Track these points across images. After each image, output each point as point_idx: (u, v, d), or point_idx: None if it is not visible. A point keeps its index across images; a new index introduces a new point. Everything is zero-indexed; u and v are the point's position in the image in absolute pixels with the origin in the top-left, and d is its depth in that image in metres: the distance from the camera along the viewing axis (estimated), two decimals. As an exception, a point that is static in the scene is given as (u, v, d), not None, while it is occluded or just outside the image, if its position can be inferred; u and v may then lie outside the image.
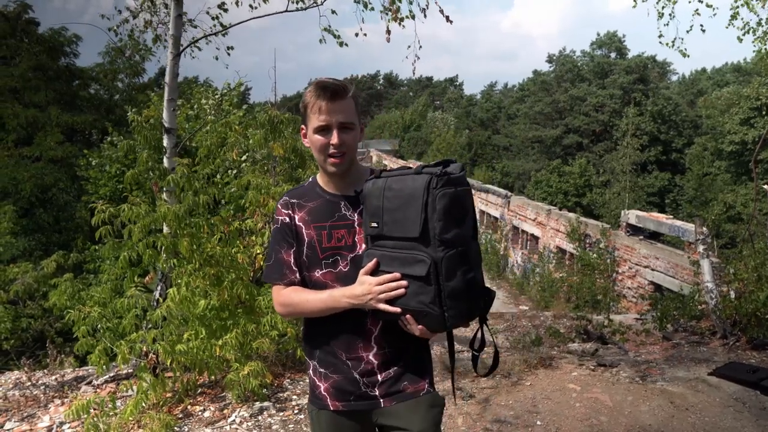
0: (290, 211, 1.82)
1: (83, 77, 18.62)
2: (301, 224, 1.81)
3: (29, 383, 4.72)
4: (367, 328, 1.78)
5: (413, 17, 5.10)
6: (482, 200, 22.54)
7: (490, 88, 61.65)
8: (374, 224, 1.67)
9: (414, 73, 5.70)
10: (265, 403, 4.12)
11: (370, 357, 1.79)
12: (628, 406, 4.04)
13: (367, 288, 1.65)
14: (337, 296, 1.71)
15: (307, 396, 1.96)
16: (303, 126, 1.83)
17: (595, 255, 13.66)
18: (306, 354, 1.92)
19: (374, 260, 1.66)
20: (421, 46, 5.32)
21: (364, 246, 1.77)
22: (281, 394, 4.32)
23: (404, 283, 1.60)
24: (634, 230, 13.98)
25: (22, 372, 4.92)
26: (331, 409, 1.83)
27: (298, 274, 1.81)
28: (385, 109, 66.63)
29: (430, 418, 1.87)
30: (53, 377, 4.82)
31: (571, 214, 16.52)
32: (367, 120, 68.90)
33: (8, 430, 4.08)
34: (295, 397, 4.28)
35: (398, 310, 1.63)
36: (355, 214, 1.80)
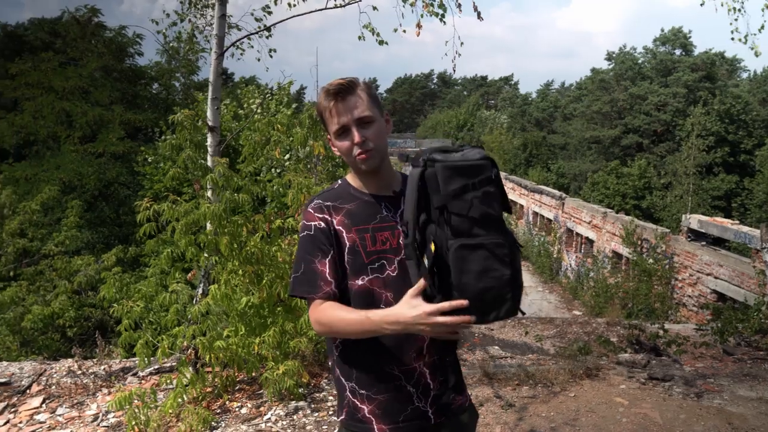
0: (326, 215, 1.67)
1: (145, 77, 19.35)
2: (341, 228, 1.66)
3: (80, 372, 4.89)
4: (418, 335, 1.62)
5: (444, 9, 4.97)
6: (535, 201, 22.05)
7: (546, 87, 60.39)
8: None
9: (454, 71, 5.59)
10: (301, 403, 4.11)
11: (423, 367, 1.67)
12: (679, 425, 3.81)
13: (422, 318, 1.44)
14: (378, 321, 1.51)
15: (336, 410, 1.81)
16: (328, 135, 1.75)
17: (651, 260, 13.09)
18: (341, 374, 1.72)
19: (422, 282, 1.47)
20: (462, 43, 5.20)
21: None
22: (317, 395, 4.30)
23: (470, 318, 1.44)
24: (695, 235, 13.31)
25: (74, 361, 5.11)
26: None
27: (334, 285, 1.62)
28: (438, 109, 66.30)
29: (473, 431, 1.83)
30: (102, 367, 4.97)
31: (626, 217, 15.90)
32: (420, 119, 68.73)
33: (59, 415, 4.23)
34: (331, 398, 4.25)
35: (458, 337, 1.56)
36: (397, 216, 1.69)
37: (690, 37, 39.62)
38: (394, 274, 1.65)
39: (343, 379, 1.71)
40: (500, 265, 1.49)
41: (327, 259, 1.63)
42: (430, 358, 1.68)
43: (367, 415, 1.67)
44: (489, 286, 1.47)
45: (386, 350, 1.65)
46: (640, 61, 39.48)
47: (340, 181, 1.79)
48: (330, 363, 1.78)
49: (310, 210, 1.69)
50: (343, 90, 1.64)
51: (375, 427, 1.66)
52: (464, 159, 1.54)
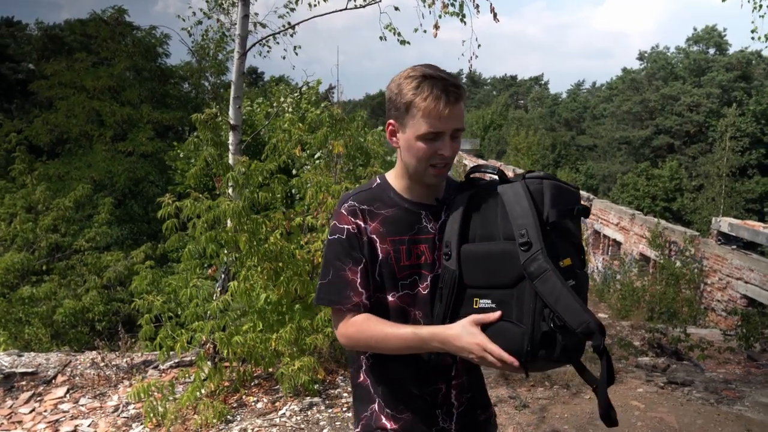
0: (360, 221, 1.49)
1: (174, 76, 19.70)
2: (375, 237, 1.49)
3: (103, 364, 5.02)
4: (447, 356, 1.51)
5: (462, 9, 4.97)
6: (562, 203, 21.81)
7: (576, 87, 59.61)
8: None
9: (471, 69, 5.62)
10: (315, 399, 4.16)
11: (451, 389, 1.58)
12: (696, 430, 3.74)
13: (475, 348, 1.34)
14: (426, 338, 1.40)
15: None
16: (392, 122, 1.50)
17: (679, 264, 12.83)
18: (370, 388, 1.59)
19: (498, 313, 1.35)
20: (479, 45, 5.20)
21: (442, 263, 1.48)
22: (332, 391, 4.34)
23: (516, 364, 1.33)
24: (725, 239, 13.02)
25: (97, 353, 5.25)
26: None
27: (365, 297, 1.48)
28: (466, 108, 65.88)
29: None
30: (124, 360, 5.10)
31: (653, 219, 15.62)
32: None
33: (82, 405, 4.37)
34: (345, 394, 4.29)
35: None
36: (437, 227, 1.53)
37: (725, 35, 38.69)
38: (425, 293, 1.51)
39: (372, 391, 1.59)
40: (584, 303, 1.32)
41: (359, 268, 1.48)
42: (457, 378, 1.59)
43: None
44: (586, 324, 1.26)
45: (410, 371, 1.54)
46: (672, 61, 38.68)
47: (378, 180, 1.59)
48: (352, 370, 1.65)
49: (343, 212, 1.50)
50: (460, 97, 1.43)
51: None
52: (567, 183, 1.43)
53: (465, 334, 1.35)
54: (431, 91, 1.39)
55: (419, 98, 1.40)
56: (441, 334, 1.39)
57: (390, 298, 1.50)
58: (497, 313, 1.35)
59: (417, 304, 1.51)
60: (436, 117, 1.40)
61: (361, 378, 1.61)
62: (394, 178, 1.56)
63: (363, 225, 1.49)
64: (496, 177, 1.46)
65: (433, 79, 1.41)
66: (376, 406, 1.58)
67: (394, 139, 1.51)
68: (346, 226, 1.49)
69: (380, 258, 1.49)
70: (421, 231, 1.52)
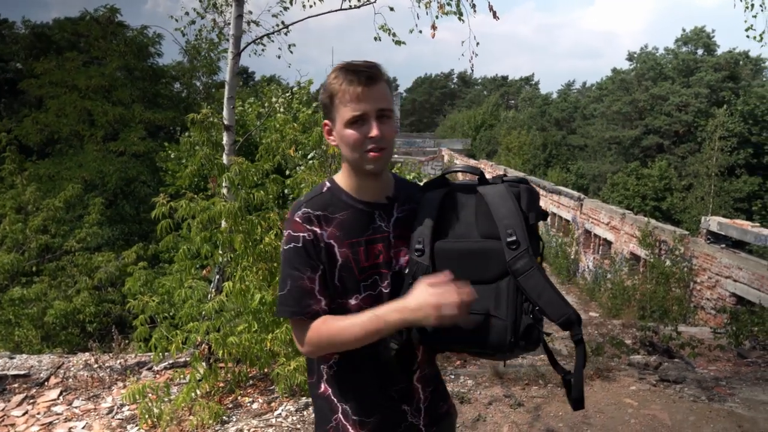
0: (315, 227, 1.49)
1: (166, 76, 19.62)
2: (332, 242, 1.49)
3: (96, 365, 5.00)
4: (413, 351, 1.55)
5: (459, 5, 5.00)
6: (554, 202, 21.91)
7: (567, 87, 59.92)
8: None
9: (472, 70, 5.62)
10: (311, 399, 4.16)
11: (416, 382, 1.60)
12: (688, 427, 3.79)
13: (433, 298, 1.33)
14: (383, 314, 1.40)
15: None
16: (327, 121, 1.54)
17: (668, 263, 12.95)
18: (334, 394, 1.57)
19: (446, 273, 1.37)
20: (478, 43, 5.23)
21: (403, 260, 1.53)
22: (328, 391, 4.35)
23: (472, 292, 1.36)
24: (715, 238, 13.14)
25: (91, 354, 5.23)
26: None
27: (324, 304, 1.48)
28: (457, 109, 66.15)
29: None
30: (117, 361, 5.08)
31: (644, 218, 15.75)
32: (439, 119, 68.60)
33: (75, 407, 4.35)
34: (341, 394, 4.30)
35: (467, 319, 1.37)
36: (390, 225, 1.55)
37: (713, 36, 39.03)
38: (387, 291, 1.53)
39: (335, 400, 1.57)
40: None
41: (317, 275, 1.48)
42: (421, 372, 1.61)
43: None
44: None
45: (377, 371, 1.54)
46: (661, 62, 38.98)
47: (328, 184, 1.58)
48: (312, 381, 1.64)
49: (297, 219, 1.49)
50: (373, 75, 1.46)
51: None
52: (533, 187, 1.54)
53: (419, 292, 1.37)
54: (345, 76, 1.46)
55: (336, 86, 1.47)
56: (396, 303, 1.41)
57: (352, 301, 1.51)
58: (446, 273, 1.37)
59: (379, 304, 1.49)
60: (354, 99, 1.45)
61: (323, 388, 1.59)
62: (342, 178, 1.57)
63: (319, 231, 1.49)
64: (476, 177, 1.55)
65: (345, 68, 1.48)
66: (340, 415, 1.56)
67: (331, 138, 1.55)
68: (301, 234, 1.48)
69: (339, 262, 1.49)
70: (376, 231, 1.54)
